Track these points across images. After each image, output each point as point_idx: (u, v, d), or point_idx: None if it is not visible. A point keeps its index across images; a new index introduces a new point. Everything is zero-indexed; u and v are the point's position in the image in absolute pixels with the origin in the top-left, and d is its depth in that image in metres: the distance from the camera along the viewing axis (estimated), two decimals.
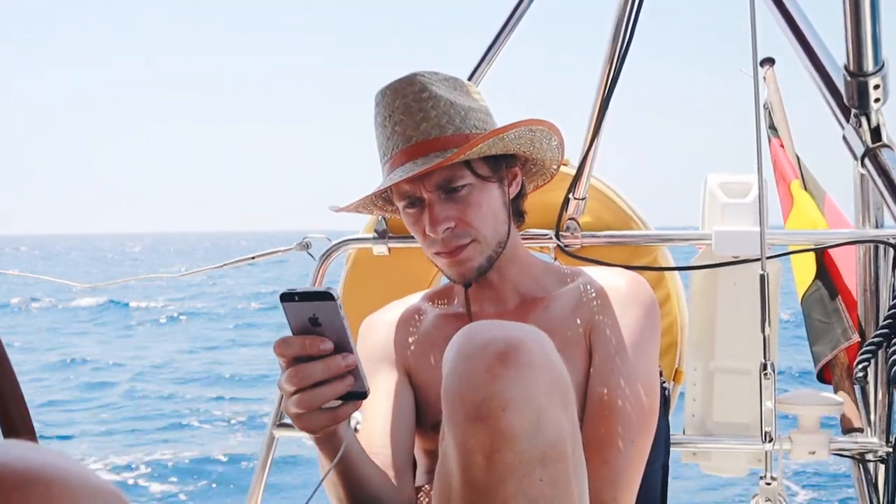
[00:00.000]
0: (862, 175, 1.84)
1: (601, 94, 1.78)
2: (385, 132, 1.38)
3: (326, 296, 1.03)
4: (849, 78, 1.00)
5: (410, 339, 1.52)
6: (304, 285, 1.06)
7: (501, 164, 1.41)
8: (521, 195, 1.50)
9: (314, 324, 1.05)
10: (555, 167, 1.54)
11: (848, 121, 1.06)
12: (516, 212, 1.49)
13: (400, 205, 1.41)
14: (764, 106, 2.39)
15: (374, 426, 1.40)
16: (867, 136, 1.03)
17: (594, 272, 1.49)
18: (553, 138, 1.44)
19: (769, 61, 2.39)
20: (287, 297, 1.04)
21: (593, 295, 1.43)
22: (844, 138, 1.07)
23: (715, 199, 1.95)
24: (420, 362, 1.49)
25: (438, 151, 1.33)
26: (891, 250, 1.79)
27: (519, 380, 0.94)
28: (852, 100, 1.02)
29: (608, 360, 1.34)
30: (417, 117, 1.34)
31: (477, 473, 0.93)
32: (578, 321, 1.40)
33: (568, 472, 0.97)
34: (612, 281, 1.44)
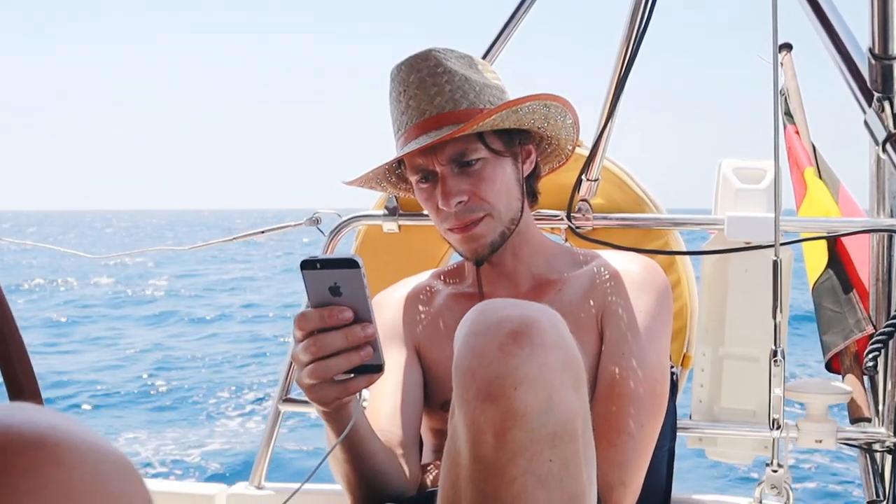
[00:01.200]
0: (878, 163, 1.82)
1: (617, 74, 1.77)
2: (399, 107, 1.38)
3: (351, 263, 1.01)
4: (873, 61, 0.99)
5: (421, 317, 1.52)
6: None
7: (515, 140, 1.41)
8: (535, 175, 1.49)
9: (334, 293, 1.03)
10: (570, 147, 1.53)
11: (870, 105, 1.04)
12: (530, 191, 1.49)
13: (413, 179, 1.41)
14: (781, 92, 2.36)
15: (382, 403, 1.40)
16: (889, 121, 1.02)
17: (609, 256, 1.49)
18: (567, 116, 1.43)
19: (787, 47, 2.37)
20: (308, 265, 1.03)
21: (607, 278, 1.42)
22: (866, 123, 1.06)
23: (728, 184, 1.94)
24: (430, 340, 1.48)
25: (451, 125, 1.33)
26: None
27: (532, 359, 0.93)
28: (876, 83, 1.00)
29: (620, 343, 1.34)
30: (431, 91, 1.34)
31: (486, 451, 0.93)
32: (591, 304, 1.39)
33: (578, 453, 0.96)
34: (627, 265, 1.44)
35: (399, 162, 1.47)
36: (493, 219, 1.38)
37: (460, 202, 1.35)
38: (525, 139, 1.43)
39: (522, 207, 1.44)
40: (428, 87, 1.34)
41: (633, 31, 1.71)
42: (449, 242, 1.46)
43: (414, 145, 1.32)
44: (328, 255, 1.04)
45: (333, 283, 1.02)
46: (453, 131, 1.28)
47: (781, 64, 2.39)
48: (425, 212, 1.97)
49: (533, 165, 1.47)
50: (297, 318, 1.06)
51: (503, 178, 1.38)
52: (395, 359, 1.46)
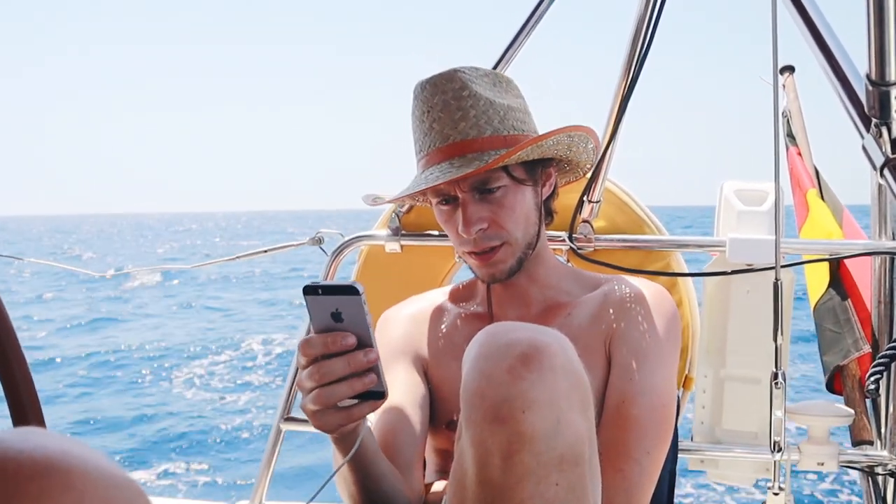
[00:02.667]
0: (879, 186, 1.83)
1: (619, 96, 1.78)
2: (422, 127, 1.38)
3: (351, 290, 1.02)
4: (870, 87, 0.99)
5: (429, 336, 1.52)
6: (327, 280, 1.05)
7: (538, 168, 1.42)
8: (553, 194, 1.50)
9: (336, 318, 1.04)
10: (588, 167, 1.55)
11: (868, 130, 1.05)
12: (547, 211, 1.50)
13: (433, 200, 1.42)
14: (783, 114, 2.37)
15: (386, 420, 1.40)
16: (887, 147, 1.02)
17: (618, 280, 1.49)
18: (589, 141, 1.45)
19: (789, 69, 2.38)
20: (310, 291, 1.03)
21: (616, 303, 1.42)
22: (864, 148, 1.06)
23: (730, 206, 1.94)
24: (437, 359, 1.49)
25: (476, 153, 1.33)
26: None
27: (540, 382, 0.93)
28: (873, 109, 1.01)
29: (627, 369, 1.34)
30: (456, 116, 1.34)
31: (493, 474, 0.93)
32: (600, 328, 1.39)
33: (584, 478, 0.96)
34: (636, 290, 1.44)
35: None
36: (510, 246, 1.39)
37: (480, 229, 1.36)
38: (546, 164, 1.45)
39: (539, 231, 1.45)
40: (452, 111, 1.34)
41: (635, 53, 1.72)
42: (468, 264, 1.47)
43: (437, 172, 1.33)
44: (330, 282, 1.06)
45: (335, 308, 1.03)
46: (479, 168, 1.28)
47: (783, 86, 2.40)
48: (428, 232, 2.00)
49: (552, 188, 1.49)
50: (302, 343, 1.06)
51: (523, 206, 1.39)
52: (400, 376, 1.46)
